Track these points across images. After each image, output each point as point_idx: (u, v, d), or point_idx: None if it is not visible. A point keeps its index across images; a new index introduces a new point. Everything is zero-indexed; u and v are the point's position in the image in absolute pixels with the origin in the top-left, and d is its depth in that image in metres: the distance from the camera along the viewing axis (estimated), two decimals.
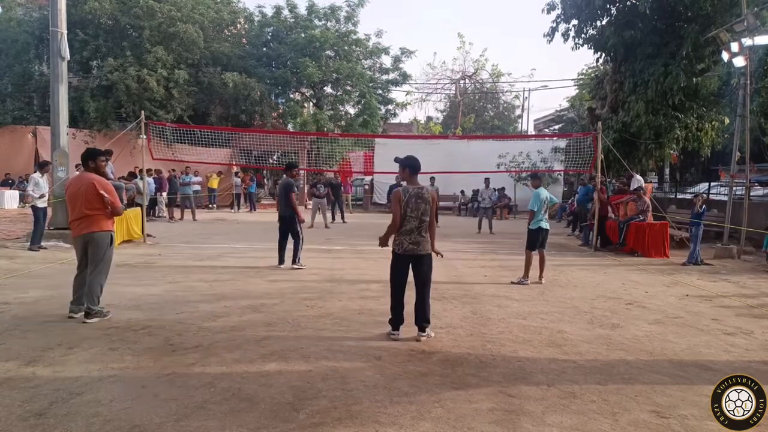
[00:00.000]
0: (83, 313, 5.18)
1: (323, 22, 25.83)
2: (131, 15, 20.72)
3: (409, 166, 4.93)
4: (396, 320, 4.94)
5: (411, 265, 4.89)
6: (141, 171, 12.82)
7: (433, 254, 4.99)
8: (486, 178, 16.46)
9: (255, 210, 21.68)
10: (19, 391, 3.49)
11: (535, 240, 7.86)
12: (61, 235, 10.45)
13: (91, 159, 5.37)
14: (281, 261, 8.64)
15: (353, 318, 5.57)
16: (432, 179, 16.99)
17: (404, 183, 4.98)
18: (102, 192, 5.18)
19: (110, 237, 5.37)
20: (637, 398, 3.67)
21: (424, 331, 4.89)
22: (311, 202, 13.22)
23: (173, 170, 17.60)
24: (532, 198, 7.96)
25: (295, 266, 8.49)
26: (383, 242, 5.05)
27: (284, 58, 25.00)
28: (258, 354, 4.36)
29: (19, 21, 21.56)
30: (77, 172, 12.27)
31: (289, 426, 3.12)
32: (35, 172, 10.32)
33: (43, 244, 9.75)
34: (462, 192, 23.58)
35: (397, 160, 5.06)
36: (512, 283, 7.78)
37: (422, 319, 4.90)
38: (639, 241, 11.06)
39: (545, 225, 7.91)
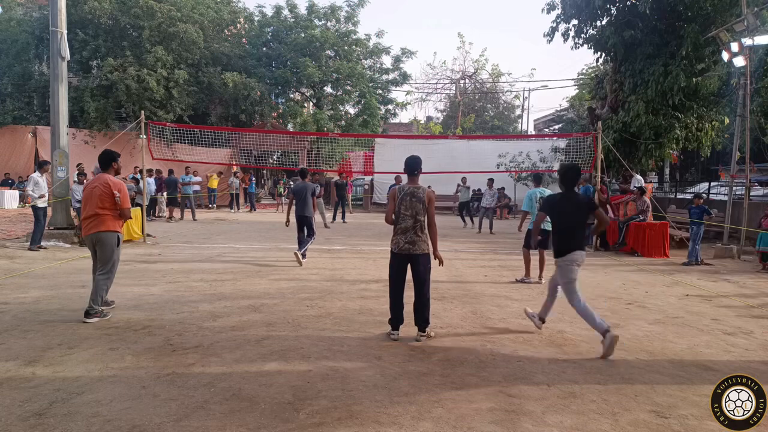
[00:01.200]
0: (83, 312, 5.18)
1: (323, 22, 25.84)
2: (131, 15, 20.73)
3: (405, 166, 4.95)
4: (395, 320, 4.93)
5: (409, 264, 4.89)
6: (141, 171, 12.82)
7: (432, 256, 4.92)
8: (490, 179, 16.28)
9: (255, 210, 21.68)
10: (19, 391, 3.49)
11: (531, 239, 7.87)
12: (61, 235, 10.46)
13: (113, 161, 5.46)
14: (303, 255, 9.05)
15: (353, 318, 5.57)
16: (464, 179, 17.01)
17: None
18: (115, 192, 5.23)
19: (117, 238, 5.37)
20: (637, 398, 3.67)
21: (424, 331, 4.89)
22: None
23: (171, 171, 17.60)
24: (525, 198, 8.14)
25: (299, 255, 8.86)
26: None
27: (284, 58, 25.01)
28: (258, 354, 4.36)
29: (19, 21, 21.58)
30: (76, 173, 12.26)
31: (289, 426, 3.12)
32: (35, 171, 10.32)
33: (43, 244, 9.75)
34: None
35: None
36: (516, 281, 7.81)
37: (421, 320, 4.89)
38: (639, 241, 11.06)
39: (544, 226, 7.86)
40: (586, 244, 12.26)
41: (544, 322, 5.21)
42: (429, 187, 4.96)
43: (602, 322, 4.64)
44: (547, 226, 7.90)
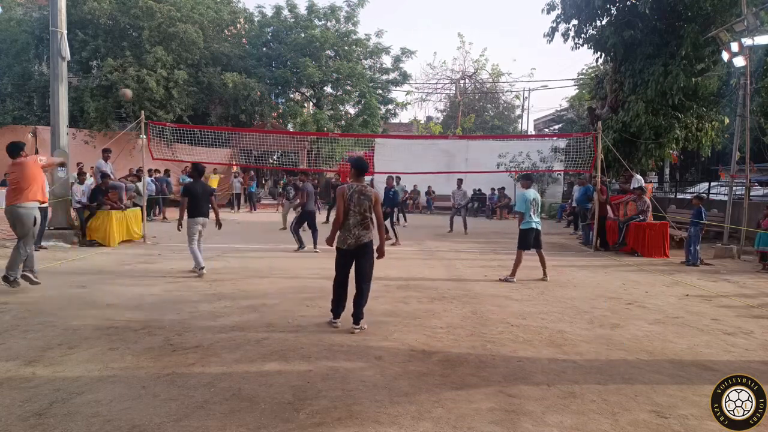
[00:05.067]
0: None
1: (323, 22, 25.83)
2: (130, 15, 20.70)
3: (355, 167, 5.33)
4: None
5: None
6: (140, 171, 12.80)
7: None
8: (459, 179, 16.01)
9: (255, 210, 21.66)
10: (19, 391, 3.49)
11: (526, 239, 8.00)
12: (61, 235, 10.45)
13: (21, 150, 6.47)
14: (300, 245, 10.50)
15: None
16: (398, 178, 16.89)
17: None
18: None
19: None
20: (637, 398, 3.67)
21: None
22: (285, 203, 13.64)
23: (166, 171, 17.62)
24: (519, 199, 8.24)
25: (316, 250, 10.30)
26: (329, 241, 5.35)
27: (284, 58, 25.00)
28: (258, 354, 4.36)
29: (19, 21, 21.54)
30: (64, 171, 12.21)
31: (289, 426, 3.12)
32: None
33: (43, 244, 9.73)
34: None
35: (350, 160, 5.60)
36: (500, 279, 7.90)
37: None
38: (639, 241, 11.06)
39: (536, 225, 8.02)
40: (587, 243, 12.37)
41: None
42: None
43: (200, 262, 7.60)
44: (536, 225, 8.02)
